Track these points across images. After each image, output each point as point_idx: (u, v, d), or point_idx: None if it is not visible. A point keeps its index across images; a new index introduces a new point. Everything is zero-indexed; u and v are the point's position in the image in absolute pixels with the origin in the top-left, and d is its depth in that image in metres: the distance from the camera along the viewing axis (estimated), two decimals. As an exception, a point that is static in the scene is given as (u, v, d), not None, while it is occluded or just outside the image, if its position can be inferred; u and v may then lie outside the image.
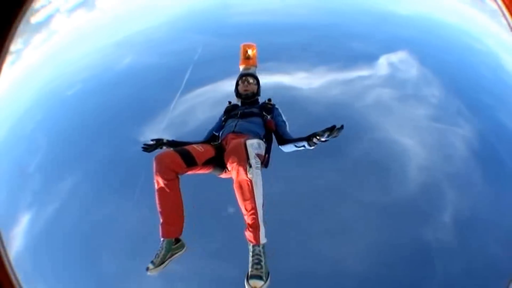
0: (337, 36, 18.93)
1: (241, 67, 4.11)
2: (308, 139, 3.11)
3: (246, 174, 2.57)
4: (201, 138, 3.83)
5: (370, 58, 18.73)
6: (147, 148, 3.63)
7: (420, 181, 18.56)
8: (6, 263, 1.95)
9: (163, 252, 2.82)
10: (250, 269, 2.52)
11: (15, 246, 15.13)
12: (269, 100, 3.88)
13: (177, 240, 2.97)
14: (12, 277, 1.96)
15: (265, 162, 3.25)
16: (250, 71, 4.04)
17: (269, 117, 3.63)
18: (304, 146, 3.22)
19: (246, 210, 2.64)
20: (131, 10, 23.95)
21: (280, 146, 3.58)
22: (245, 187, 2.60)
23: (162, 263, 2.80)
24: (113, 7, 24.33)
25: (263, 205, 2.66)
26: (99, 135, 21.26)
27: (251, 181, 2.58)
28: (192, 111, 17.39)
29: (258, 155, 2.78)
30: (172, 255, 2.89)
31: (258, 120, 3.57)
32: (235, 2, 20.27)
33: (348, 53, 18.53)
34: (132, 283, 14.73)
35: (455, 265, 15.89)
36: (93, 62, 24.56)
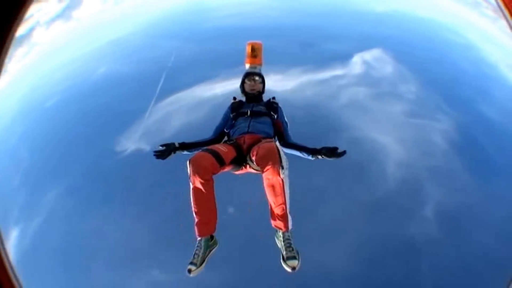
0: (310, 37, 18.82)
1: (247, 65, 4.11)
2: (313, 153, 3.49)
3: (279, 175, 2.88)
4: (205, 136, 3.81)
5: (343, 58, 18.67)
6: (160, 155, 3.46)
7: (400, 178, 18.55)
8: (6, 263, 1.97)
9: (202, 250, 2.96)
10: (284, 253, 2.93)
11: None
12: (273, 98, 4.09)
13: (212, 237, 3.14)
14: (12, 276, 1.97)
15: None
16: (256, 69, 4.11)
17: (276, 116, 3.88)
18: (306, 156, 3.60)
19: (277, 203, 2.99)
20: (106, 20, 23.78)
21: (281, 146, 3.66)
22: (278, 185, 2.93)
23: (203, 262, 2.95)
24: (88, 17, 24.09)
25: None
26: (78, 146, 21.09)
27: (283, 180, 2.92)
28: (168, 118, 17.23)
29: (283, 156, 3.04)
30: (210, 252, 3.06)
31: (267, 120, 3.79)
32: (207, 7, 20.13)
33: (322, 53, 18.45)
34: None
35: (441, 258, 15.93)
36: (69, 73, 24.35)
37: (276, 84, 17.37)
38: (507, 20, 2.09)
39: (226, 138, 3.81)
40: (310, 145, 3.78)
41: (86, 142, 20.84)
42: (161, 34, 20.94)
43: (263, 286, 15.33)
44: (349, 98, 17.47)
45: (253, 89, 4.06)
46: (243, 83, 4.15)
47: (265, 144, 3.21)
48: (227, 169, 3.36)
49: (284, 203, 2.99)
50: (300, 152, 3.70)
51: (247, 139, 3.46)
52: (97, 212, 18.24)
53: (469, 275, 15.37)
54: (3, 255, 1.98)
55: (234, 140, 3.54)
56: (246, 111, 3.82)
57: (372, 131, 17.67)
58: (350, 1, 22.11)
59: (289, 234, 3.08)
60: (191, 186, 3.04)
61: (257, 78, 4.07)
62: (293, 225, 3.15)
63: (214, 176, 3.15)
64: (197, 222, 3.12)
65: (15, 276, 2.00)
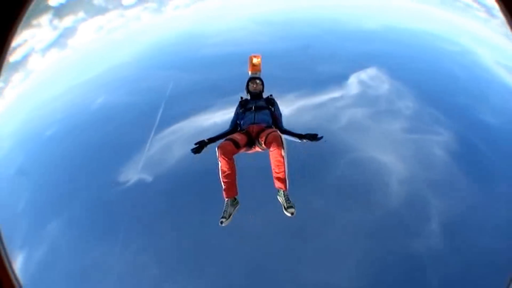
0: (304, 60, 18.84)
1: (250, 72, 5.12)
2: (300, 137, 4.44)
3: (282, 152, 3.98)
4: (226, 128, 4.84)
5: (340, 79, 18.67)
6: (196, 151, 4.41)
7: (403, 194, 18.50)
8: (6, 263, 2.02)
9: (229, 208, 4.07)
10: (285, 204, 4.00)
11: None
12: (271, 95, 5.09)
13: (235, 199, 4.23)
14: (12, 276, 2.01)
15: None
16: (257, 75, 5.11)
17: (273, 109, 4.84)
18: (296, 139, 4.50)
19: (279, 171, 4.06)
20: (101, 48, 23.77)
21: None
22: (281, 159, 4.02)
23: (230, 215, 4.05)
24: (84, 46, 24.09)
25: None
26: (80, 176, 21.04)
27: (283, 157, 4.01)
28: (168, 148, 17.19)
29: (284, 141, 4.13)
30: (234, 209, 4.14)
31: (267, 112, 4.78)
32: (199, 35, 20.13)
33: (317, 76, 18.44)
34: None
35: (448, 269, 15.85)
36: (68, 102, 24.35)
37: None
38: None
39: (239, 128, 4.83)
40: (299, 131, 4.63)
41: (88, 172, 20.78)
42: (155, 63, 20.91)
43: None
44: (347, 119, 17.47)
45: (255, 89, 5.04)
46: (247, 85, 5.12)
47: (272, 133, 4.21)
48: (243, 150, 4.45)
49: (284, 171, 4.07)
50: (291, 137, 4.56)
51: (255, 128, 4.52)
52: (100, 243, 18.15)
53: (475, 283, 15.29)
54: (3, 255, 2.04)
55: (245, 130, 4.58)
56: (251, 106, 4.81)
57: (372, 151, 17.64)
58: (340, 20, 22.08)
59: (287, 192, 4.13)
60: (220, 164, 4.12)
61: (258, 81, 5.09)
62: (289, 186, 4.16)
63: (234, 156, 4.24)
64: (224, 189, 4.17)
65: (15, 276, 2.03)
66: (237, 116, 4.88)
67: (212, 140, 4.52)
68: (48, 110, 25.49)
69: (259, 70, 5.10)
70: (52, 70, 26.87)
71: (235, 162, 4.19)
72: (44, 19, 22.95)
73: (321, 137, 4.32)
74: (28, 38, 23.41)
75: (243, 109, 4.85)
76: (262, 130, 4.46)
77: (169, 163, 17.00)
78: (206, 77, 16.87)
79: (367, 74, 19.00)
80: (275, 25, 20.61)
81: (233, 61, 17.21)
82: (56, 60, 26.64)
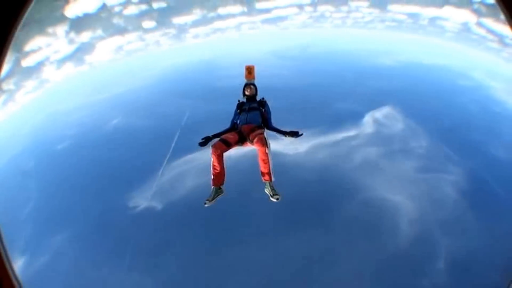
0: (321, 96, 18.94)
1: (245, 79, 5.93)
2: (284, 134, 5.13)
3: (265, 150, 4.78)
4: (227, 126, 5.59)
5: (355, 117, 18.77)
6: (202, 144, 5.17)
7: (412, 234, 18.49)
8: (6, 263, 2.04)
9: (213, 194, 4.81)
10: (271, 193, 4.75)
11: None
12: (263, 98, 5.82)
13: (219, 188, 5.00)
14: (12, 276, 2.03)
15: None
16: (251, 81, 5.90)
17: (263, 110, 5.60)
18: (281, 136, 5.16)
19: (265, 165, 4.84)
20: (119, 69, 23.98)
21: (266, 128, 5.47)
22: (265, 156, 4.80)
23: (213, 199, 4.78)
24: (101, 64, 24.33)
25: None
26: (89, 195, 21.12)
27: (267, 154, 4.79)
28: (181, 178, 17.24)
29: (268, 141, 4.94)
30: (218, 195, 4.88)
31: (257, 113, 5.56)
32: (216, 66, 20.33)
33: (334, 113, 18.54)
34: None
35: None
36: (82, 119, 24.52)
37: (289, 147, 17.48)
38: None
39: (236, 126, 5.56)
40: (286, 127, 5.31)
41: (97, 192, 20.83)
42: (173, 89, 21.01)
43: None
44: (361, 159, 17.51)
45: (250, 93, 5.79)
46: (243, 90, 5.87)
47: (258, 135, 4.99)
48: (234, 147, 5.15)
49: (269, 166, 4.85)
50: (277, 133, 5.27)
51: (246, 128, 5.28)
52: (103, 264, 18.12)
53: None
54: (3, 255, 2.07)
55: (239, 129, 5.35)
56: (245, 107, 5.63)
57: (384, 191, 17.64)
58: (358, 56, 22.28)
59: (273, 183, 4.90)
60: (211, 159, 4.88)
61: (252, 86, 5.88)
62: (274, 178, 4.92)
63: (225, 154, 4.97)
64: (212, 179, 4.93)
65: (15, 276, 2.04)
66: (235, 116, 5.74)
67: (216, 135, 5.36)
68: (61, 123, 25.70)
69: (253, 78, 5.97)
70: (68, 84, 27.12)
71: (223, 159, 5.05)
72: (60, 29, 23.01)
73: (301, 134, 4.98)
74: (43, 45, 23.50)
75: (239, 110, 5.77)
76: (252, 130, 5.28)
77: (181, 193, 17.11)
78: (222, 109, 16.84)
79: (382, 112, 19.11)
80: (295, 60, 20.83)
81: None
82: (72, 74, 26.91)
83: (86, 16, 21.97)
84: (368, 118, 18.84)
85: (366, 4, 22.48)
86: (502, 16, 2.24)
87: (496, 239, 17.44)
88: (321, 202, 16.40)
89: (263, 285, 16.24)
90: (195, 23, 23.26)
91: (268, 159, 4.85)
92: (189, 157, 17.53)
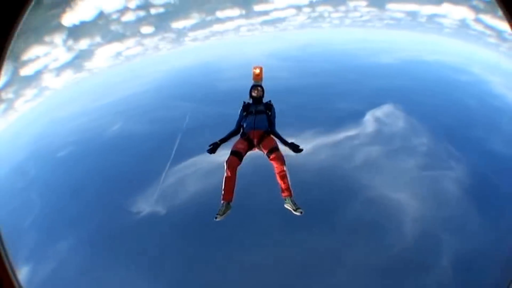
0: (322, 96, 18.99)
1: (253, 81, 5.83)
2: (285, 144, 5.04)
3: (284, 168, 4.81)
4: (231, 128, 5.53)
5: (356, 116, 18.83)
6: (211, 151, 5.16)
7: (415, 233, 18.55)
8: (6, 263, 2.05)
9: (223, 208, 4.79)
10: (294, 208, 4.72)
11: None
12: (270, 101, 5.74)
13: (228, 203, 4.92)
14: (12, 276, 2.04)
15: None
16: (259, 83, 5.81)
17: (269, 113, 5.53)
18: (281, 144, 5.10)
19: (284, 183, 4.85)
20: (118, 74, 24.03)
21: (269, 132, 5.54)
22: (284, 174, 4.84)
23: (224, 214, 4.75)
24: (101, 70, 24.39)
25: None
26: (92, 201, 21.16)
27: (285, 171, 4.84)
28: (183, 182, 17.28)
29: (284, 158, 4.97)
30: (227, 210, 4.83)
31: (264, 116, 5.46)
32: (216, 68, 20.36)
33: (334, 113, 18.58)
34: None
35: None
36: (83, 125, 24.55)
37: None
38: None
39: (242, 129, 5.46)
40: (288, 137, 5.27)
41: (101, 198, 20.85)
42: (173, 93, 21.11)
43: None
44: (363, 158, 17.55)
45: (257, 95, 5.72)
46: (250, 91, 5.81)
47: (275, 151, 4.95)
48: (244, 156, 5.17)
49: (288, 182, 4.86)
50: (278, 140, 5.18)
51: (255, 134, 5.24)
52: (108, 268, 18.20)
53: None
54: (3, 255, 2.08)
55: (247, 135, 5.27)
56: (252, 110, 5.54)
57: (387, 190, 17.67)
58: (358, 55, 22.33)
59: (293, 197, 4.87)
60: (225, 175, 4.89)
61: (259, 88, 5.79)
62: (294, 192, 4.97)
63: (239, 167, 5.00)
64: (223, 194, 4.88)
65: (15, 276, 2.05)
66: (241, 118, 5.65)
67: (223, 140, 5.36)
68: (62, 130, 25.73)
69: (261, 79, 5.89)
70: (68, 91, 27.13)
71: (236, 175, 5.09)
72: (57, 38, 22.95)
73: (301, 150, 4.96)
74: (40, 54, 23.45)
75: (245, 112, 5.68)
76: (262, 137, 5.28)
77: (183, 197, 17.13)
78: (223, 112, 17.01)
79: (383, 111, 19.15)
80: (294, 61, 20.85)
81: (251, 96, 17.23)
82: (72, 81, 26.91)
83: (84, 24, 21.96)
84: (369, 117, 18.93)
85: (364, 3, 22.67)
86: (500, 13, 2.29)
87: (499, 235, 17.50)
88: (324, 203, 16.42)
89: (266, 286, 16.28)
90: (194, 27, 23.34)
91: (287, 175, 4.85)
92: (191, 160, 17.62)
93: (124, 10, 22.10)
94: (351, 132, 18.67)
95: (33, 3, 2.18)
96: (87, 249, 19.10)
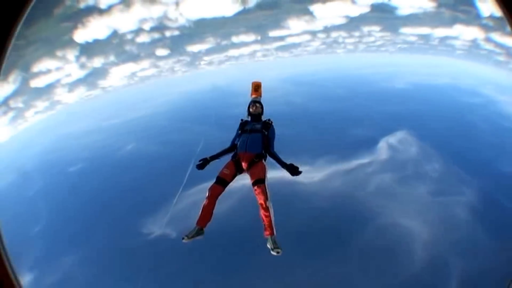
0: (336, 122, 19.07)
1: (252, 96, 5.65)
2: (283, 166, 4.79)
3: (267, 204, 4.57)
4: (227, 145, 5.33)
5: (370, 143, 18.93)
6: (200, 167, 5.16)
7: (426, 258, 18.69)
8: (6, 263, 2.04)
9: (194, 232, 4.63)
10: (273, 246, 4.49)
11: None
12: (269, 119, 5.47)
13: (201, 229, 4.78)
14: (12, 276, 2.03)
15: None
16: (257, 99, 5.60)
17: (266, 132, 5.24)
18: (280, 166, 4.88)
19: (266, 218, 4.63)
20: (133, 94, 24.34)
21: (266, 153, 5.19)
22: (266, 211, 4.58)
23: (192, 237, 4.62)
24: (115, 89, 24.74)
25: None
26: (102, 219, 21.28)
27: (268, 207, 4.59)
28: (195, 207, 17.17)
29: (268, 193, 4.70)
30: (197, 235, 4.68)
31: (259, 136, 5.20)
32: (230, 93, 20.52)
33: (349, 139, 18.64)
34: None
35: None
36: (95, 142, 24.78)
37: (304, 175, 17.35)
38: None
39: (235, 149, 5.30)
40: (285, 159, 5.01)
41: (110, 216, 20.86)
42: (187, 116, 21.31)
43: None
44: (376, 185, 17.59)
45: (255, 111, 5.50)
46: (248, 107, 5.60)
47: (259, 185, 4.70)
48: (230, 184, 4.98)
49: (271, 220, 4.63)
50: (277, 162, 4.97)
51: (244, 158, 4.98)
52: (112, 287, 18.26)
53: None
54: (3, 255, 2.08)
55: (237, 157, 5.05)
56: (247, 129, 5.27)
57: (399, 217, 17.71)
58: (370, 80, 22.43)
59: (275, 237, 4.67)
60: (204, 202, 4.75)
61: (258, 104, 5.57)
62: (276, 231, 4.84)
63: (219, 196, 4.82)
64: (198, 218, 4.74)
65: (15, 276, 2.05)
66: (237, 135, 5.42)
67: (213, 157, 5.24)
68: (74, 145, 26.00)
69: (260, 95, 5.70)
70: (81, 106, 27.44)
71: (216, 203, 4.92)
72: (70, 53, 23.26)
73: (300, 172, 4.72)
74: (52, 68, 23.72)
75: (240, 130, 5.44)
76: (251, 163, 5.00)
77: (195, 222, 16.89)
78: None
79: (396, 137, 19.21)
80: (309, 86, 20.99)
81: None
82: (85, 97, 27.27)
83: (97, 42, 22.35)
84: (382, 144, 19.03)
85: (378, 28, 22.92)
86: (508, 29, 2.38)
87: (509, 258, 17.43)
88: (337, 230, 16.49)
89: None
90: (209, 51, 23.85)
91: (270, 212, 4.61)
92: (204, 185, 17.02)
93: (139, 31, 22.52)
94: (365, 160, 18.81)
95: (33, 3, 2.15)
96: (93, 265, 19.16)
